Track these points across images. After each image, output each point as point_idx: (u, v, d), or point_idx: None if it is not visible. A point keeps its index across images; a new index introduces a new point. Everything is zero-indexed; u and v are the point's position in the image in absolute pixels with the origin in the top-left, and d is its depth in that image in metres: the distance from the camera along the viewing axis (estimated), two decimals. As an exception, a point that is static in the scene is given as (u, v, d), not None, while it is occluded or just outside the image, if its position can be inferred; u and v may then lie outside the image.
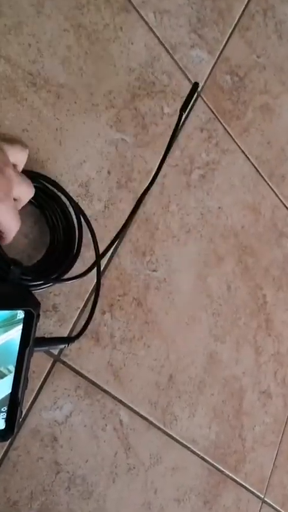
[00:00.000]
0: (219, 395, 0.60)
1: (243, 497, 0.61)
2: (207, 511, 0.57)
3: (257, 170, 0.68)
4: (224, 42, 0.65)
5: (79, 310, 0.48)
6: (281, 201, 0.71)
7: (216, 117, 0.63)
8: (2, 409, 0.37)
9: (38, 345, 0.40)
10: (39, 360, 0.45)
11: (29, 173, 0.41)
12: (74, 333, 0.47)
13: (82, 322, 0.48)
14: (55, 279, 0.44)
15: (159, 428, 0.54)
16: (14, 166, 0.36)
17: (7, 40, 0.45)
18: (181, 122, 0.52)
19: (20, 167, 0.38)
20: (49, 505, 0.44)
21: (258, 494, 0.64)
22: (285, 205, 0.72)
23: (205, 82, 0.62)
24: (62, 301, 0.47)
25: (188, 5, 0.60)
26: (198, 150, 0.61)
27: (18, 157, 0.37)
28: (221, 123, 0.64)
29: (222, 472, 0.59)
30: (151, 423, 0.53)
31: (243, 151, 0.66)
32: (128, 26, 0.54)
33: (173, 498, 0.54)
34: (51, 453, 0.45)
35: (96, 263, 0.47)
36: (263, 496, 0.64)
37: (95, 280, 0.49)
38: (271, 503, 0.65)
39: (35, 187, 0.39)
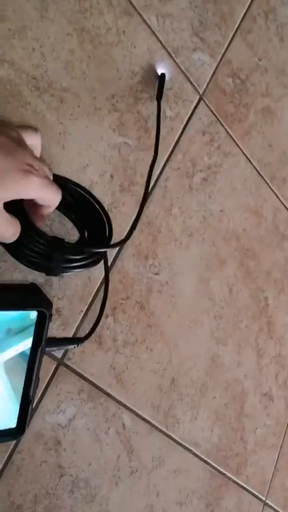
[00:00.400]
0: (221, 398, 0.60)
1: (245, 500, 0.62)
2: (209, 514, 0.57)
3: (259, 173, 0.68)
4: (226, 45, 0.65)
5: (82, 313, 0.48)
6: (283, 203, 0.71)
7: (218, 120, 0.63)
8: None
9: (49, 345, 0.41)
10: (43, 364, 0.45)
11: None
12: (78, 337, 0.47)
13: (85, 325, 0.48)
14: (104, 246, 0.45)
15: (161, 431, 0.54)
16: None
17: (11, 44, 0.45)
18: (160, 111, 0.53)
19: (38, 152, 0.38)
20: (53, 509, 0.44)
21: (260, 496, 0.64)
22: (286, 208, 0.72)
23: (207, 85, 0.62)
24: (65, 305, 0.47)
25: (190, 8, 0.60)
26: (200, 153, 0.61)
27: (33, 139, 0.37)
28: (223, 126, 0.64)
29: (224, 474, 0.60)
30: (153, 426, 0.53)
31: (245, 154, 0.67)
32: (131, 30, 0.54)
33: (175, 501, 0.54)
34: (55, 456, 0.45)
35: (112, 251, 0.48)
36: (264, 499, 0.64)
37: (98, 284, 0.49)
38: (273, 505, 0.65)
39: None
